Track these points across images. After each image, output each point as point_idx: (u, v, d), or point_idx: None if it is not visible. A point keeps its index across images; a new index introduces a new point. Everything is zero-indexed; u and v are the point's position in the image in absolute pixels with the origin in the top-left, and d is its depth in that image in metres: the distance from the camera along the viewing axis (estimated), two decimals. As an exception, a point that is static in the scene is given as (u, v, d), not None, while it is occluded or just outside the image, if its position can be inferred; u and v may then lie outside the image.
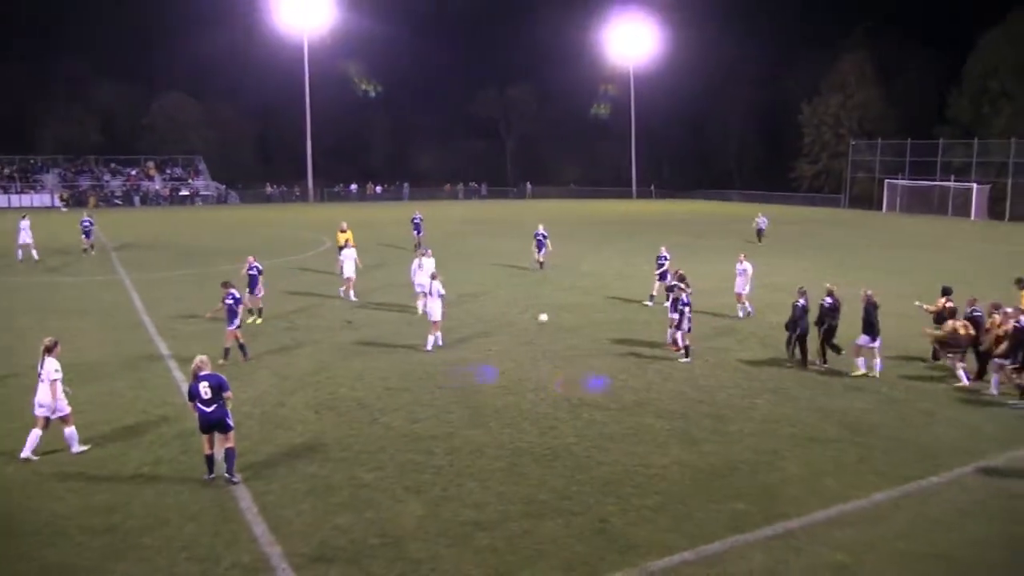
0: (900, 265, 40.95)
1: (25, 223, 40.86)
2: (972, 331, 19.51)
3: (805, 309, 20.86)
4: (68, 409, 14.72)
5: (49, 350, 14.66)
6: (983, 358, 19.66)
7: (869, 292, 20.45)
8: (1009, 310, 18.91)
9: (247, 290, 25.58)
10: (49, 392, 14.44)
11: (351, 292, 30.40)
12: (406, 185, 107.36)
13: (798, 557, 11.16)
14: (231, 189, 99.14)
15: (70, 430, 14.73)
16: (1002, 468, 14.38)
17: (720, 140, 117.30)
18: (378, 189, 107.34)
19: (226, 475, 13.41)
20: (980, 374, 19.66)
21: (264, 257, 30.35)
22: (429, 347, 22.45)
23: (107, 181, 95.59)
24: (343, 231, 37.68)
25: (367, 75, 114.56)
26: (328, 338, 24.03)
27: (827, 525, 12.10)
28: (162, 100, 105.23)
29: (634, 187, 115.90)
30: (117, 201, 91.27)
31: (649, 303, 29.34)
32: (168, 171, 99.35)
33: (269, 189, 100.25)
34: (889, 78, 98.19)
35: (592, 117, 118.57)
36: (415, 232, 45.41)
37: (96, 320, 26.82)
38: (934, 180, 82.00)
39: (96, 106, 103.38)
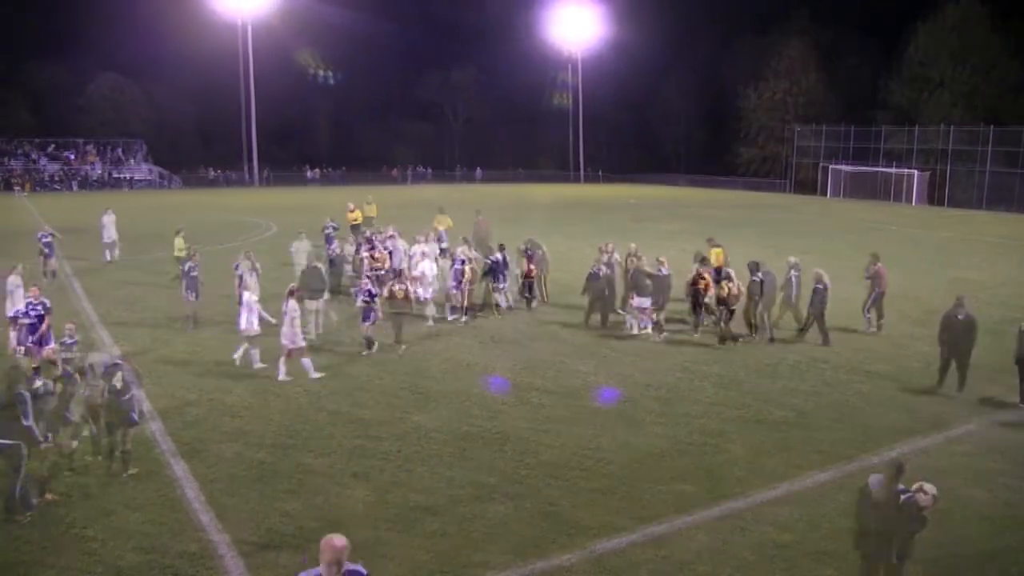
0: (837, 249, 41.51)
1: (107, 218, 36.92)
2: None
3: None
4: (304, 343, 18.38)
5: (291, 293, 18.35)
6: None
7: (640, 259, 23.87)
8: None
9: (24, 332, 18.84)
10: (290, 328, 17.99)
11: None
12: (344, 170, 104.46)
13: (743, 536, 11.34)
14: (174, 174, 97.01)
15: (307, 360, 18.30)
16: (934, 447, 14.76)
17: (665, 125, 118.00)
18: (309, 174, 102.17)
19: None
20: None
21: (213, 242, 29.66)
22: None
23: (43, 165, 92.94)
24: (351, 211, 37.84)
25: (310, 57, 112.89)
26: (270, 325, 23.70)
27: (772, 505, 12.30)
28: (99, 81, 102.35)
29: (581, 171, 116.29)
30: (56, 186, 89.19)
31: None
32: (109, 155, 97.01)
33: (212, 174, 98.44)
34: (830, 64, 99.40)
35: (538, 102, 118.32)
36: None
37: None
38: (876, 166, 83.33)
39: (24, 85, 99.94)
